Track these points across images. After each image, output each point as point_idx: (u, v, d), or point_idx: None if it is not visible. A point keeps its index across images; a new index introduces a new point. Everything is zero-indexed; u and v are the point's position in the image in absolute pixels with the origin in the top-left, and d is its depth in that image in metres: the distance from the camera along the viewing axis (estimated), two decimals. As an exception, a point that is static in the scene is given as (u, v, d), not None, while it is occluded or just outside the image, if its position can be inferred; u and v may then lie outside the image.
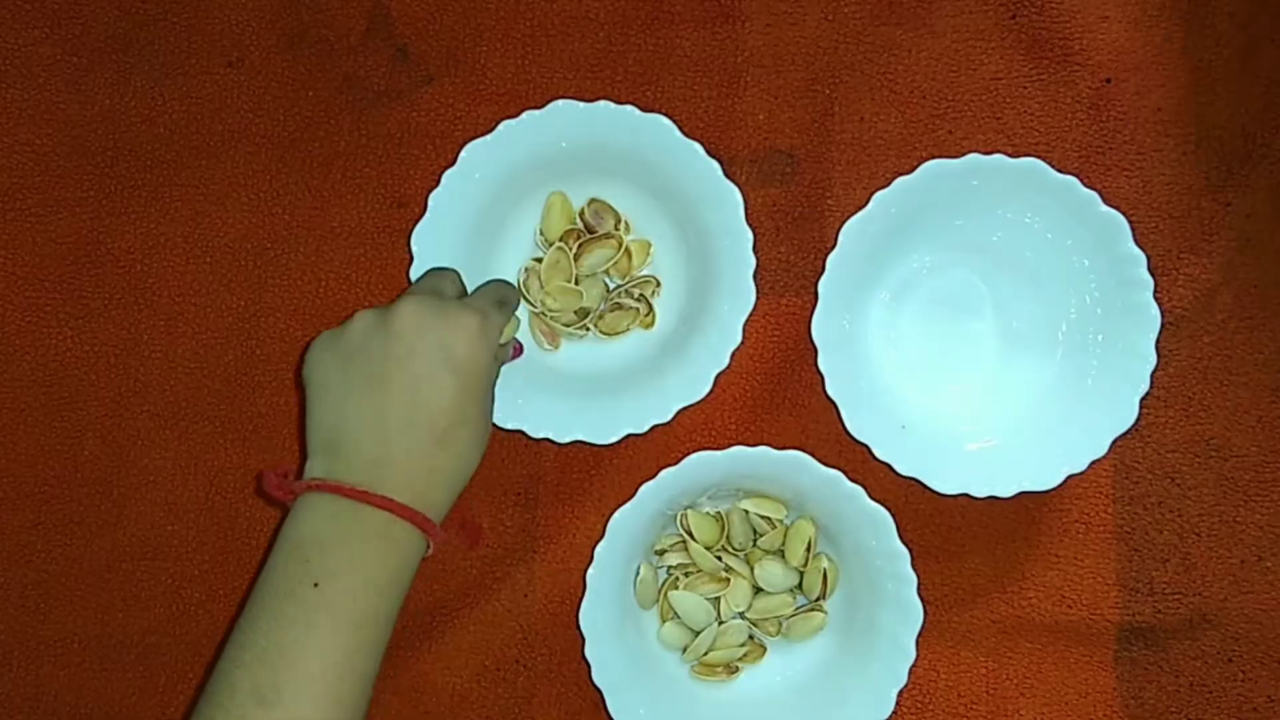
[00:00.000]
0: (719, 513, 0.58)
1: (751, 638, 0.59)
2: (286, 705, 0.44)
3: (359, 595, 0.46)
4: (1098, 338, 0.57)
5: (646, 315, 0.60)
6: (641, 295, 0.60)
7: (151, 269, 0.62)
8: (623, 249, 0.59)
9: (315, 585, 0.46)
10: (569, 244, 0.59)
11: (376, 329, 0.50)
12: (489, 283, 0.56)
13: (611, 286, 0.60)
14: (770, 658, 0.59)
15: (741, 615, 0.58)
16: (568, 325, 0.60)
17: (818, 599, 0.58)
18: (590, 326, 0.60)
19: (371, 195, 0.62)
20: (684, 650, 0.58)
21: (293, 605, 0.46)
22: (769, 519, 0.57)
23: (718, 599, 0.58)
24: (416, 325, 0.49)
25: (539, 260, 0.60)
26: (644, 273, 0.60)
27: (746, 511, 0.58)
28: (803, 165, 0.61)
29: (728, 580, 0.57)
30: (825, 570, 0.57)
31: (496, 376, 0.53)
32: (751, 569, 0.58)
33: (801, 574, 0.58)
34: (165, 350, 0.62)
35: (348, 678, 0.46)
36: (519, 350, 0.58)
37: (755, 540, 0.58)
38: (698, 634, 0.58)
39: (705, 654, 0.58)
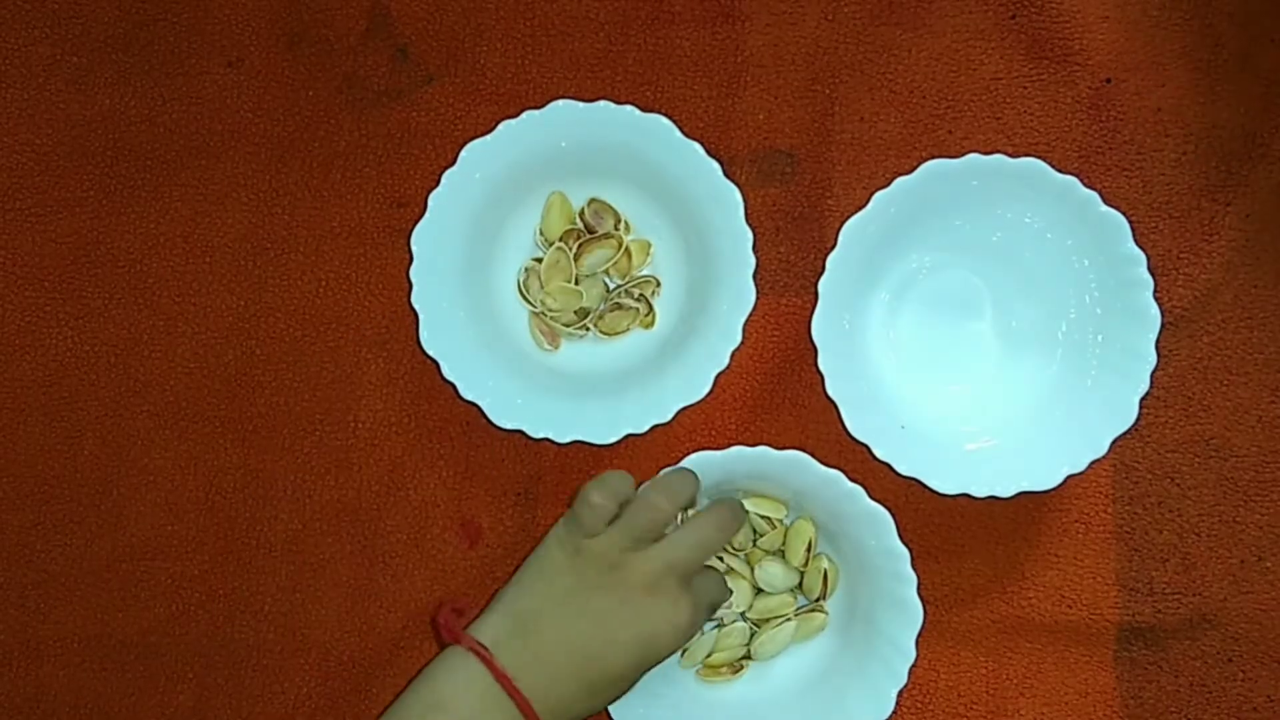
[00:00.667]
0: (718, 513, 0.58)
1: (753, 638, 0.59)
2: None
3: None
4: (1097, 338, 0.57)
5: (647, 315, 0.60)
6: (641, 295, 0.60)
7: (151, 269, 0.62)
8: (622, 249, 0.59)
9: None
10: (569, 244, 0.59)
11: (618, 568, 0.51)
12: (712, 576, 0.55)
13: (611, 286, 0.60)
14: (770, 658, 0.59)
15: (743, 616, 0.58)
16: (568, 325, 0.60)
17: (818, 599, 0.58)
18: (590, 326, 0.60)
19: (371, 195, 0.62)
20: (683, 654, 0.58)
21: None
22: (769, 519, 0.57)
23: None
24: (649, 593, 0.51)
25: (539, 260, 0.60)
26: (644, 273, 0.60)
27: (746, 512, 0.58)
28: (803, 165, 0.61)
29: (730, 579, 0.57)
30: (825, 570, 0.57)
31: None
32: (752, 569, 0.58)
33: (802, 574, 0.58)
34: (165, 350, 0.62)
35: None
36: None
37: (755, 540, 0.58)
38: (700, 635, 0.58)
39: (708, 656, 0.58)
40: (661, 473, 0.54)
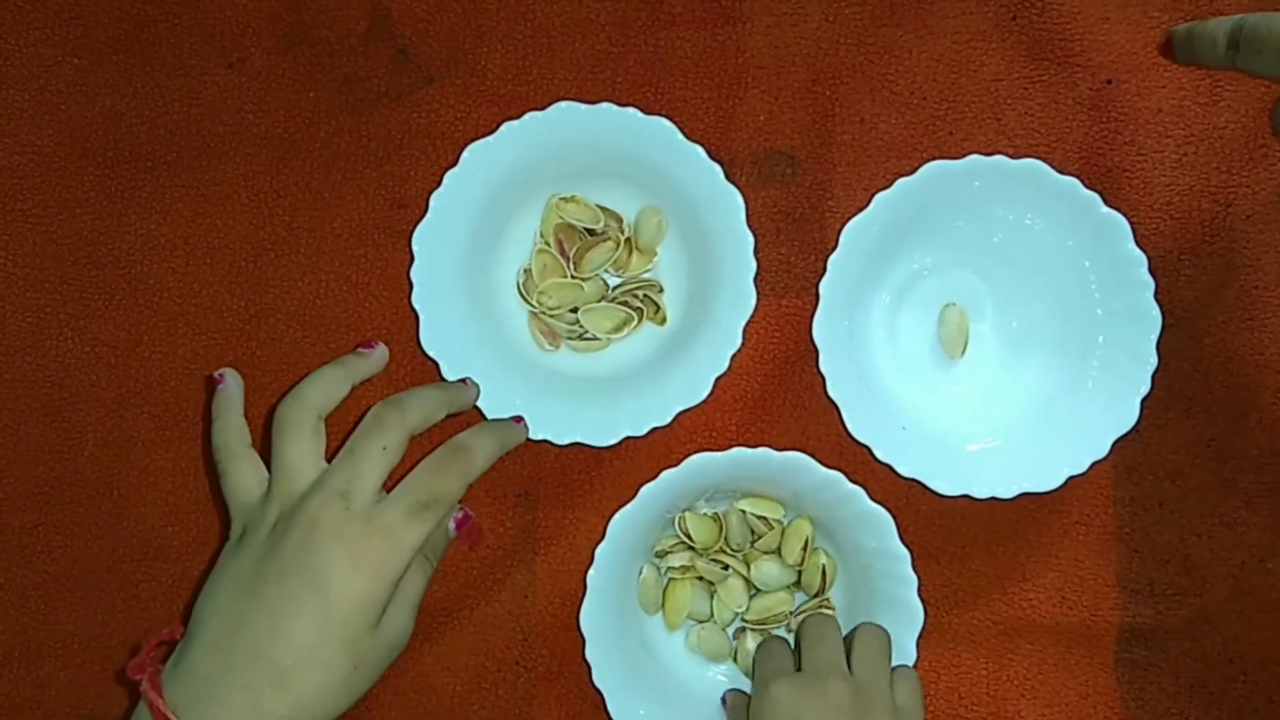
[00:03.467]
0: (716, 514, 0.58)
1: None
2: None
3: None
4: (1099, 339, 0.57)
5: (656, 313, 0.60)
6: (647, 295, 0.60)
7: (152, 270, 0.62)
8: (622, 245, 0.59)
9: None
10: (569, 243, 0.59)
11: (295, 515, 0.45)
12: (427, 466, 0.49)
13: (611, 285, 0.60)
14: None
15: (740, 617, 0.58)
16: (569, 324, 0.59)
17: (817, 594, 0.58)
18: (589, 328, 0.60)
19: (372, 196, 0.62)
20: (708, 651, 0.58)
21: None
22: (766, 519, 0.57)
23: (712, 599, 0.58)
24: (310, 530, 0.44)
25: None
26: (645, 275, 0.60)
27: (744, 512, 0.58)
28: (804, 166, 0.61)
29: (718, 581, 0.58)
30: (824, 565, 0.57)
31: (423, 590, 0.49)
32: (749, 568, 0.58)
33: (800, 571, 0.58)
34: (165, 351, 0.62)
35: None
36: (472, 530, 0.52)
37: (753, 541, 0.58)
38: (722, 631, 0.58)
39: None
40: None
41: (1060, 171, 0.55)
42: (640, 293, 0.60)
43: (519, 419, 0.55)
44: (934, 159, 0.55)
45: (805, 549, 0.57)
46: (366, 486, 0.47)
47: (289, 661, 0.43)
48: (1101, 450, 0.55)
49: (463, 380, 0.55)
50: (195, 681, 0.43)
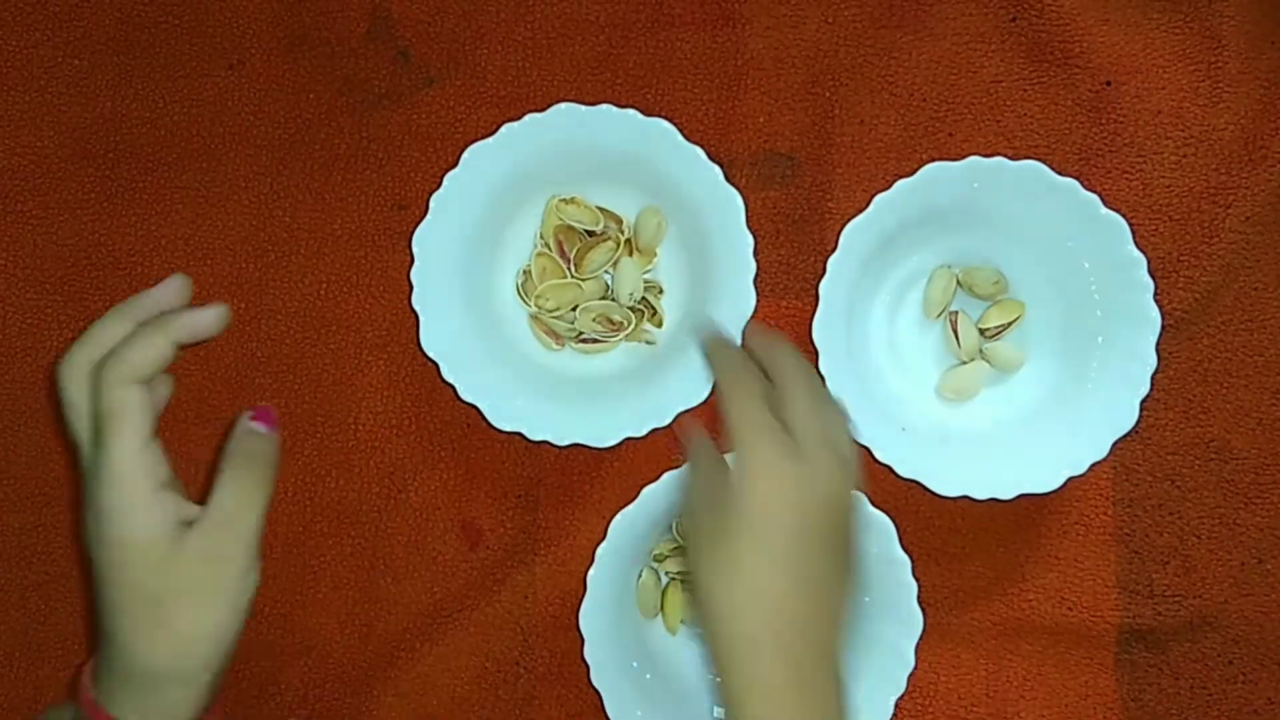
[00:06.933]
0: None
1: None
2: None
3: None
4: (1098, 340, 0.57)
5: (653, 315, 0.60)
6: (644, 298, 0.60)
7: (152, 271, 0.62)
8: (623, 244, 0.59)
9: None
10: (570, 243, 0.59)
11: None
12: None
13: (612, 284, 0.60)
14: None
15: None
16: (569, 324, 0.59)
17: None
18: (588, 331, 0.60)
19: (372, 197, 0.62)
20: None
21: None
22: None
23: None
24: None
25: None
26: (645, 276, 0.60)
27: None
28: (803, 168, 0.61)
29: None
30: None
31: (237, 497, 0.45)
32: None
33: None
34: (166, 352, 0.62)
35: None
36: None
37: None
38: None
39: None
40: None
41: (1059, 173, 0.55)
42: (638, 295, 0.60)
43: (214, 306, 0.46)
44: (933, 160, 0.55)
45: None
46: (85, 443, 0.44)
47: (105, 623, 0.44)
48: (1101, 451, 0.55)
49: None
50: (96, 657, 0.46)
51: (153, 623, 0.43)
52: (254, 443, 0.46)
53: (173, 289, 0.46)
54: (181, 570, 0.43)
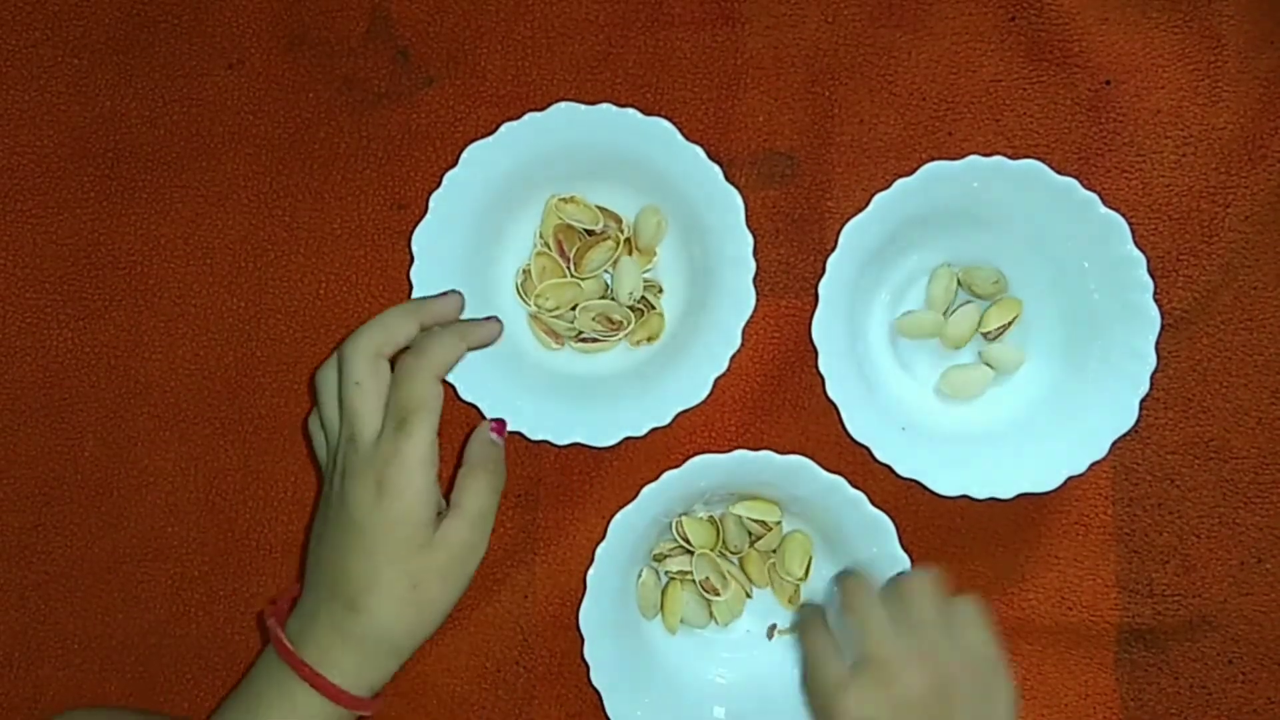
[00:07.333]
0: (713, 517, 0.59)
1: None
2: None
3: None
4: (1097, 339, 0.57)
5: (652, 315, 0.60)
6: (644, 298, 0.60)
7: (152, 270, 0.62)
8: (622, 244, 0.59)
9: None
10: (570, 242, 0.59)
11: (333, 466, 0.51)
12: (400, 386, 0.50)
13: (611, 283, 0.60)
14: (771, 657, 0.59)
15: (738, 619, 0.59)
16: (569, 324, 0.60)
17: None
18: (588, 332, 0.60)
19: (372, 197, 0.62)
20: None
21: None
22: (763, 523, 0.58)
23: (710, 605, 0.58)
24: (340, 477, 0.50)
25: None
26: (645, 276, 0.60)
27: (740, 516, 0.58)
28: (803, 167, 0.61)
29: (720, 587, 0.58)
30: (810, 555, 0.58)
31: (484, 501, 0.51)
32: (749, 577, 0.58)
33: (797, 585, 0.58)
34: (165, 351, 0.62)
35: None
36: (500, 429, 0.54)
37: (751, 543, 0.58)
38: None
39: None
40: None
41: (1059, 172, 0.55)
42: (637, 294, 0.60)
43: (493, 318, 0.55)
44: (933, 160, 0.55)
45: (807, 569, 0.57)
46: (365, 427, 0.49)
47: (352, 590, 0.49)
48: (1100, 451, 0.55)
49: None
50: (302, 618, 0.50)
51: (406, 598, 0.48)
52: (493, 451, 0.52)
53: (454, 301, 0.54)
54: (439, 555, 0.49)
